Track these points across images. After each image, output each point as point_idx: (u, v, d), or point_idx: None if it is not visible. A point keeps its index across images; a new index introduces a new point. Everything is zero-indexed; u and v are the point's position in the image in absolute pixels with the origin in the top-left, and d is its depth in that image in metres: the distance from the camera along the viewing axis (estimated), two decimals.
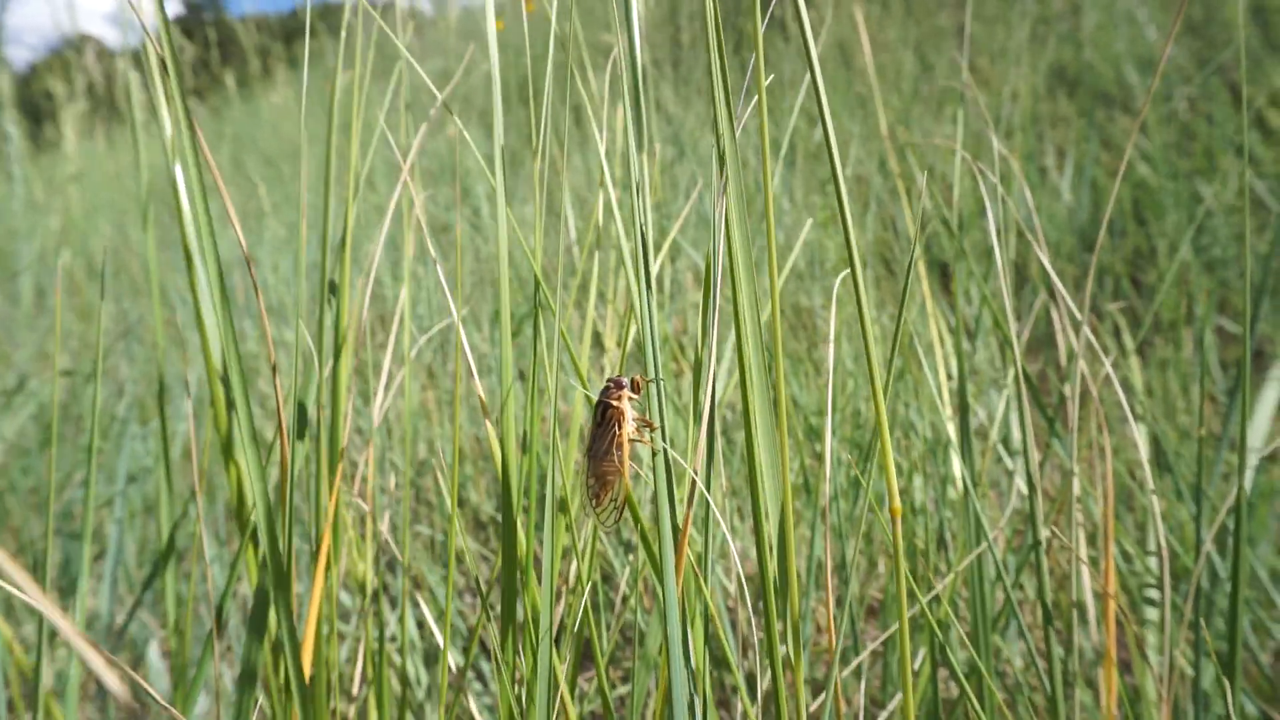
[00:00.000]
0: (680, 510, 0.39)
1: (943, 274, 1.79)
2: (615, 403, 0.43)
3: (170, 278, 2.44)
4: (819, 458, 1.04)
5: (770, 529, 0.36)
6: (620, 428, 0.43)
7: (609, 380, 0.43)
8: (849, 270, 0.34)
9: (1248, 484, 0.47)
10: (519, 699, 0.47)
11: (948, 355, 0.85)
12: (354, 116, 0.59)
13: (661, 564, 0.36)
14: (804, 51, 0.34)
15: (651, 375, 0.41)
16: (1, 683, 0.58)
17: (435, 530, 1.17)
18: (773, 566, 0.36)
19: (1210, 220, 1.58)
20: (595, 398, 0.44)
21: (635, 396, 0.43)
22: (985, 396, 1.15)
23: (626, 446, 0.43)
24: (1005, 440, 0.86)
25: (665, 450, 0.38)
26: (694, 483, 0.38)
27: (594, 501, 0.44)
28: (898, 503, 0.33)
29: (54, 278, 2.67)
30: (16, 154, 3.76)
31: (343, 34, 0.57)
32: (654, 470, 0.38)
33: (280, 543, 0.48)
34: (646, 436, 0.43)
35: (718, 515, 0.39)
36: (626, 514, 0.45)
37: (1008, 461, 0.85)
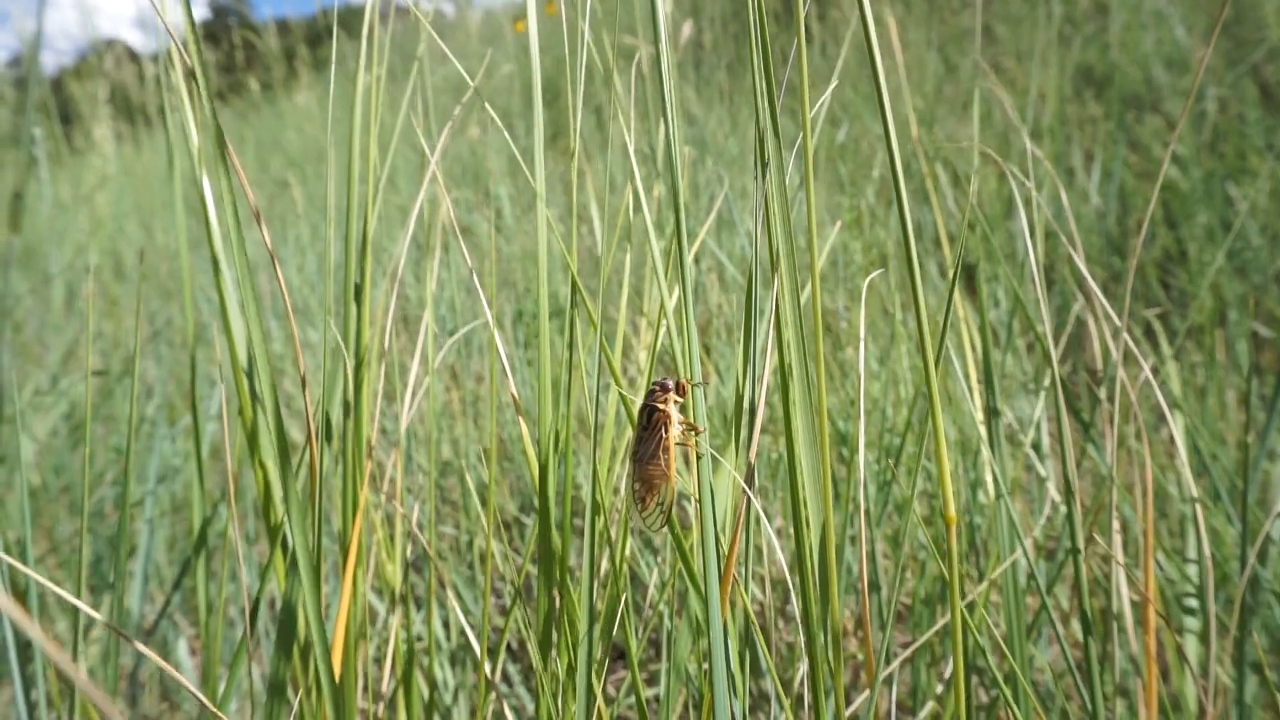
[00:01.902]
0: (724, 521, 0.39)
1: (968, 276, 1.78)
2: (661, 406, 0.42)
3: (199, 279, 2.47)
4: (844, 461, 1.03)
5: (811, 538, 0.35)
6: (666, 431, 0.42)
7: (654, 383, 0.43)
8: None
9: None
10: (558, 711, 0.46)
11: (976, 358, 0.85)
12: (372, 119, 0.59)
13: (706, 584, 0.35)
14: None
15: (695, 378, 0.41)
16: (41, 679, 0.58)
17: (460, 531, 1.17)
18: (814, 575, 0.36)
19: (1241, 222, 1.56)
20: (640, 401, 0.43)
21: (680, 399, 0.42)
22: (1014, 400, 1.13)
23: (673, 450, 0.42)
24: (1036, 445, 0.85)
25: (709, 454, 0.38)
26: (743, 498, 0.37)
27: (639, 505, 0.44)
28: (952, 511, 0.33)
29: (84, 280, 2.71)
30: (46, 158, 3.82)
31: (364, 36, 0.58)
32: (698, 476, 0.38)
33: (310, 546, 0.48)
34: (692, 440, 0.42)
35: (768, 530, 0.39)
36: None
37: (1039, 467, 0.84)
